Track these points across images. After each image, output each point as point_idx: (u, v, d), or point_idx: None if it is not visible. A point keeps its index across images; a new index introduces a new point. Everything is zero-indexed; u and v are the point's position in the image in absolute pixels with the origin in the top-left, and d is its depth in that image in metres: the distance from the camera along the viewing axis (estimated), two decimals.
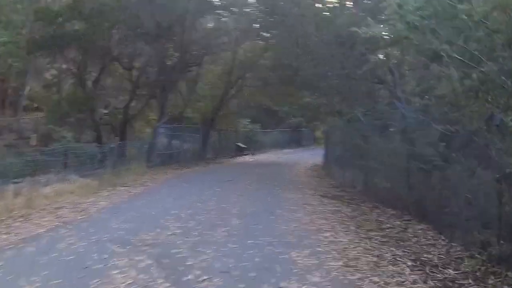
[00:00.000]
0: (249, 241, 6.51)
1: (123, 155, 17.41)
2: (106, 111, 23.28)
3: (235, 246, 6.29)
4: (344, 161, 15.12)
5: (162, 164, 19.68)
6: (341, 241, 6.70)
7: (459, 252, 5.95)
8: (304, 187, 13.78)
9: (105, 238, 6.61)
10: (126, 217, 8.29)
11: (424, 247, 6.36)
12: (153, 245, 6.26)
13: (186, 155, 24.41)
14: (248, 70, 27.05)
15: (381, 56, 13.60)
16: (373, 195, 11.00)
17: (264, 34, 24.33)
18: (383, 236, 7.04)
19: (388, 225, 7.98)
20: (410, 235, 7.16)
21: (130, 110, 22.52)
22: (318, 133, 48.02)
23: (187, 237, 6.76)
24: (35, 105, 28.79)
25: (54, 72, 28.41)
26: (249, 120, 36.82)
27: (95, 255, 5.70)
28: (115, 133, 21.89)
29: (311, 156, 29.36)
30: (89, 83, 23.08)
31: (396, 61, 12.88)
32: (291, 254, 5.84)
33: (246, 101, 34.09)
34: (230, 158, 28.79)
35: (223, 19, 24.54)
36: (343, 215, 8.96)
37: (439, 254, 5.93)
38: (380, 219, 8.62)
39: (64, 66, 24.09)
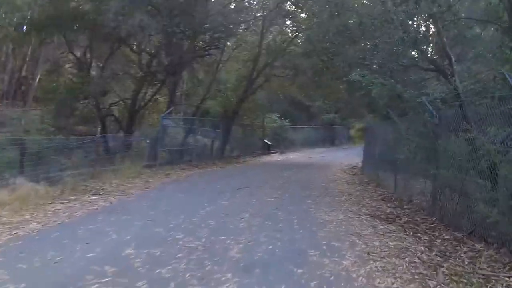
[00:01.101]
0: None
1: (112, 150, 14.26)
2: (113, 101, 20.21)
3: None
4: (395, 165, 11.51)
5: (170, 163, 16.46)
6: None
7: None
8: (345, 200, 10.23)
9: None
10: (27, 265, 4.87)
11: None
12: None
13: (203, 152, 21.25)
14: (277, 56, 23.57)
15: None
16: (449, 217, 7.46)
17: (296, 10, 20.91)
18: None
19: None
20: None
21: (140, 100, 19.45)
22: (353, 131, 44.26)
23: None
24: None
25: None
26: (278, 115, 33.38)
27: None
28: (120, 125, 18.86)
29: (346, 157, 25.75)
30: (95, 70, 20.39)
31: None
32: None
33: (274, 93, 30.67)
34: (255, 156, 25.46)
35: None
36: (416, 260, 5.42)
37: None
38: (484, 268, 5.11)
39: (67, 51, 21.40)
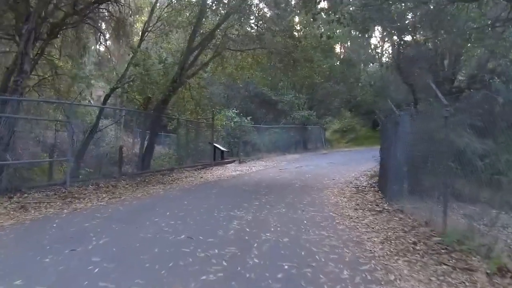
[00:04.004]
0: None
1: None
2: None
3: None
4: None
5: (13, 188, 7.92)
6: None
7: None
8: None
9: None
10: None
11: None
12: None
13: (104, 164, 12.71)
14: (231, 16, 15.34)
15: None
16: None
17: None
18: None
19: None
20: None
21: None
22: (329, 133, 36.42)
23: None
24: None
25: None
26: (236, 111, 25.02)
27: None
28: None
29: (331, 167, 17.80)
30: None
31: None
32: None
33: (231, 81, 22.40)
34: (200, 169, 17.01)
35: None
36: None
37: None
38: None
39: None
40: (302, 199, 9.44)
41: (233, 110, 24.97)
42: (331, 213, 7.85)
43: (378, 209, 8.37)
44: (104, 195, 9.41)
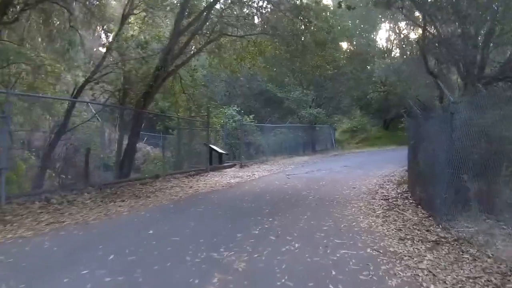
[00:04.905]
0: None
1: None
2: None
3: None
4: None
5: None
6: None
7: None
8: None
9: None
10: None
11: None
12: None
13: (72, 171, 10.18)
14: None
15: None
16: None
17: None
18: None
19: None
20: None
21: None
22: (337, 134, 33.79)
23: None
24: None
25: None
26: (237, 109, 22.44)
27: None
28: None
29: (348, 171, 15.27)
30: None
31: None
32: None
33: (227, 72, 19.91)
34: (193, 175, 14.45)
35: None
36: None
37: None
38: None
39: None
40: (321, 222, 6.81)
41: (234, 108, 22.38)
42: (369, 250, 5.20)
43: (431, 237, 5.73)
44: (44, 218, 6.83)
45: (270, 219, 7.04)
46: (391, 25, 33.54)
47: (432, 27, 12.99)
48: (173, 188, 11.43)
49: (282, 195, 10.06)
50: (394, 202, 8.60)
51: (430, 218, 6.82)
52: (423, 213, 7.27)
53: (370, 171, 14.88)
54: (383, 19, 34.35)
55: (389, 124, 34.74)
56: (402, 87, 28.13)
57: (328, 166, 17.54)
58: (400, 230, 6.20)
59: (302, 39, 14.12)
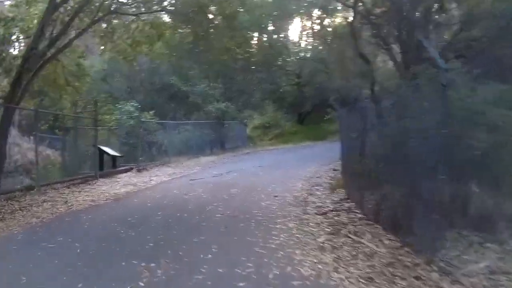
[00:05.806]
0: None
1: None
2: None
3: None
4: None
5: None
6: None
7: None
8: None
9: None
10: None
11: None
12: None
13: None
14: None
15: None
16: None
17: None
18: None
19: None
20: None
21: None
22: (249, 130, 31.62)
23: None
24: None
25: None
26: (137, 105, 19.25)
27: None
28: None
29: (264, 173, 13.42)
30: None
31: None
32: None
33: (120, 60, 17.12)
34: (76, 185, 11.45)
35: None
36: None
37: None
38: None
39: None
40: (234, 269, 4.43)
41: (133, 104, 19.16)
42: None
43: None
44: None
45: (153, 264, 4.51)
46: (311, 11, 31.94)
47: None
48: (44, 204, 8.81)
49: (180, 212, 7.58)
50: (336, 219, 6.36)
51: (406, 248, 4.56)
52: (391, 239, 5.02)
53: (290, 172, 12.90)
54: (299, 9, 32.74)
55: (304, 118, 33.51)
56: (324, 76, 26.47)
57: (240, 166, 15.28)
58: (372, 281, 3.84)
59: (208, 15, 11.61)
